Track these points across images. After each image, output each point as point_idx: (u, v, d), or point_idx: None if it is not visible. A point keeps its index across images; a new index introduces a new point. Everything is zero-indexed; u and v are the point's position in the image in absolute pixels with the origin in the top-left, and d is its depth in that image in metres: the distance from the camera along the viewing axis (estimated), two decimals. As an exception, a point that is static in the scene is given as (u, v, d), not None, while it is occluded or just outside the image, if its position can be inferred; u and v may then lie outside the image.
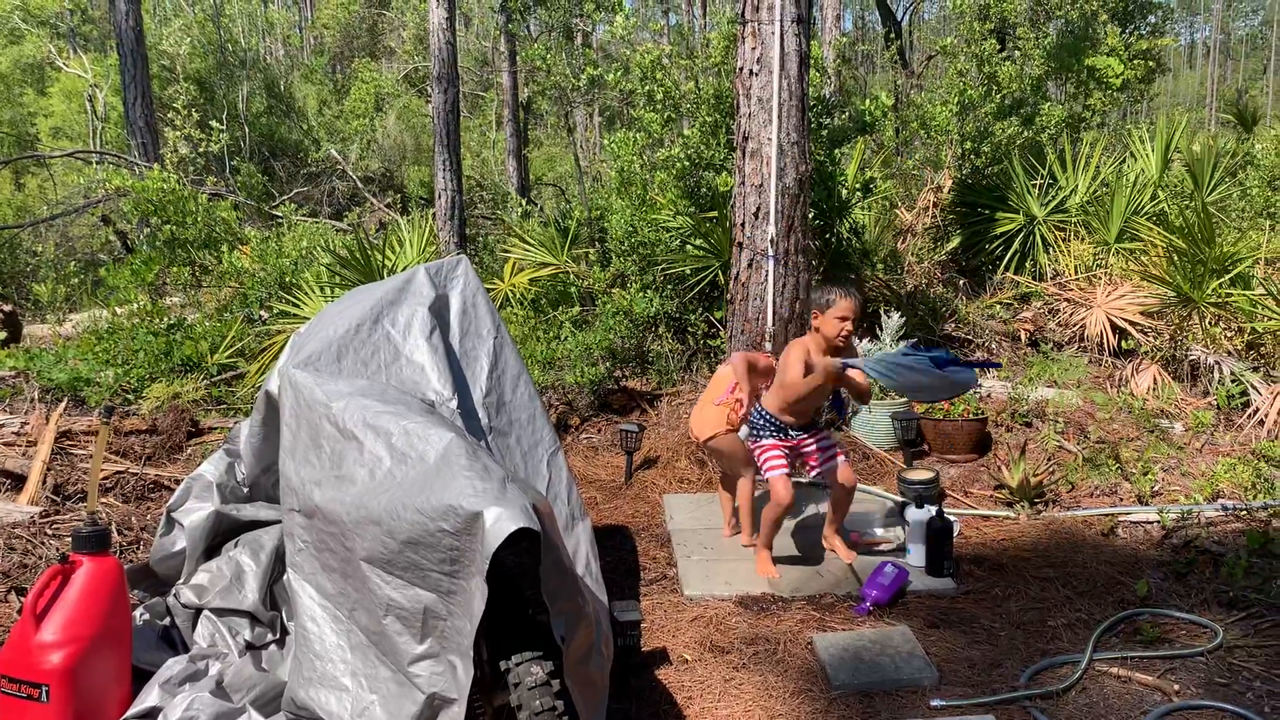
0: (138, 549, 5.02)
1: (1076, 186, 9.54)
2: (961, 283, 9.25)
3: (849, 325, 4.46)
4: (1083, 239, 9.18)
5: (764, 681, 3.80)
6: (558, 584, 2.90)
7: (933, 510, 4.72)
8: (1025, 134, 10.61)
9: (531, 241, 9.51)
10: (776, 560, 4.80)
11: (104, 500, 5.59)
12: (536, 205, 13.62)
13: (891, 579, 4.42)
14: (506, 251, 9.92)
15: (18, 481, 5.64)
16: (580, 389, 7.37)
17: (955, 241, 9.70)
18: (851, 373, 4.44)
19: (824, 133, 8.03)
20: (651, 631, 4.22)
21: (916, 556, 4.75)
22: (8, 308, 9.52)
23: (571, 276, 9.03)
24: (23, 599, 4.27)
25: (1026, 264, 9.32)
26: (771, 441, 4.68)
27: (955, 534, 4.93)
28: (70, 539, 3.81)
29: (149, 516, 5.38)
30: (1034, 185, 9.58)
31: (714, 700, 3.69)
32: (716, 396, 4.99)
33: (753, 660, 3.97)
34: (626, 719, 3.58)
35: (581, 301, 8.84)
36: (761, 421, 4.74)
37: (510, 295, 8.95)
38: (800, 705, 3.63)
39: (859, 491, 5.59)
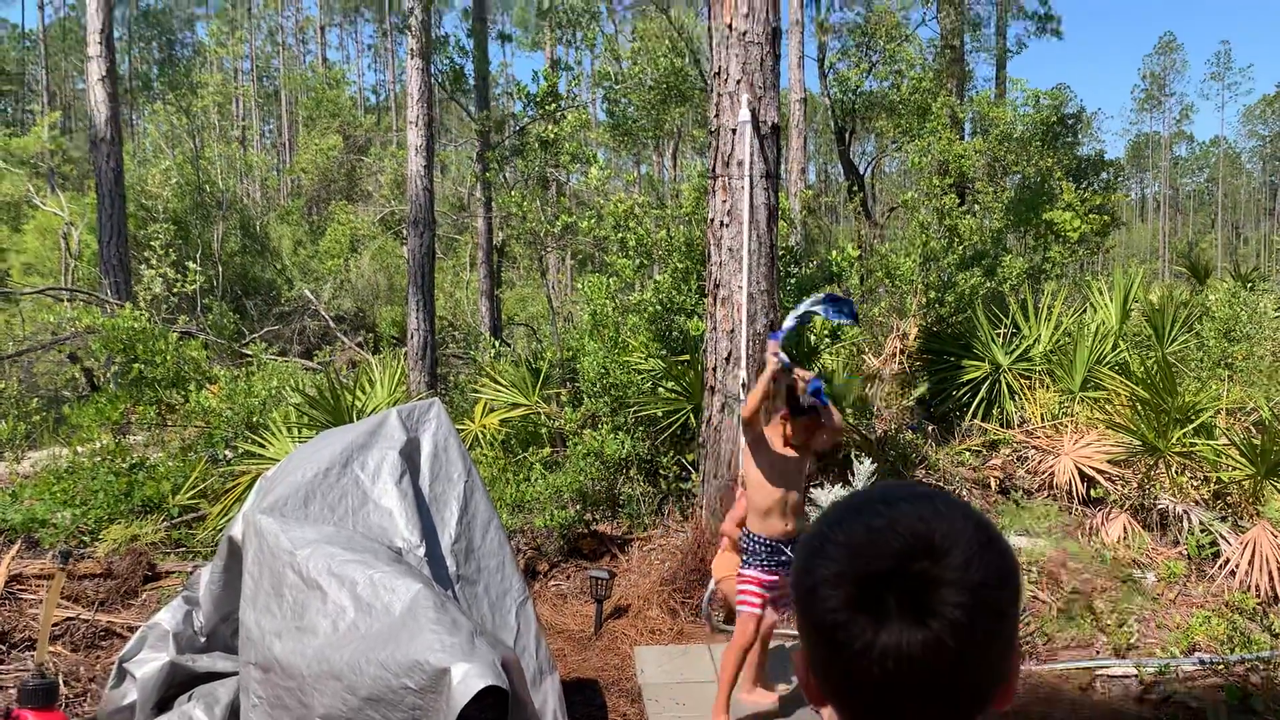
0: (85, 701, 4.80)
1: (1040, 336, 9.75)
2: (930, 429, 9.32)
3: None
4: (1048, 387, 9.33)
5: None
6: (526, 745, 2.79)
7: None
8: (988, 284, 10.90)
9: (503, 382, 9.52)
10: (752, 715, 4.65)
11: (52, 648, 5.37)
12: (509, 345, 13.73)
13: None
14: (478, 391, 9.92)
15: (-39, 629, 5.42)
16: (549, 533, 7.26)
17: (923, 388, 9.83)
18: (800, 376, 4.41)
19: (792, 281, 8.21)
20: (621, 794, 4.04)
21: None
22: (-36, 445, 9.33)
23: (543, 417, 9.02)
24: (-44, 758, 4.04)
25: (994, 411, 9.43)
26: (753, 574, 4.44)
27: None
28: (16, 692, 3.64)
29: (99, 666, 5.17)
30: (998, 334, 9.79)
31: None
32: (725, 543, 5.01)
33: (727, 825, 3.80)
34: None
35: (552, 442, 8.81)
36: (751, 545, 4.48)
37: (480, 435, 8.90)
38: None
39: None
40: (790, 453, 4.43)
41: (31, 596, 5.94)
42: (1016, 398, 9.35)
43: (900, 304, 10.89)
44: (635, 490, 7.81)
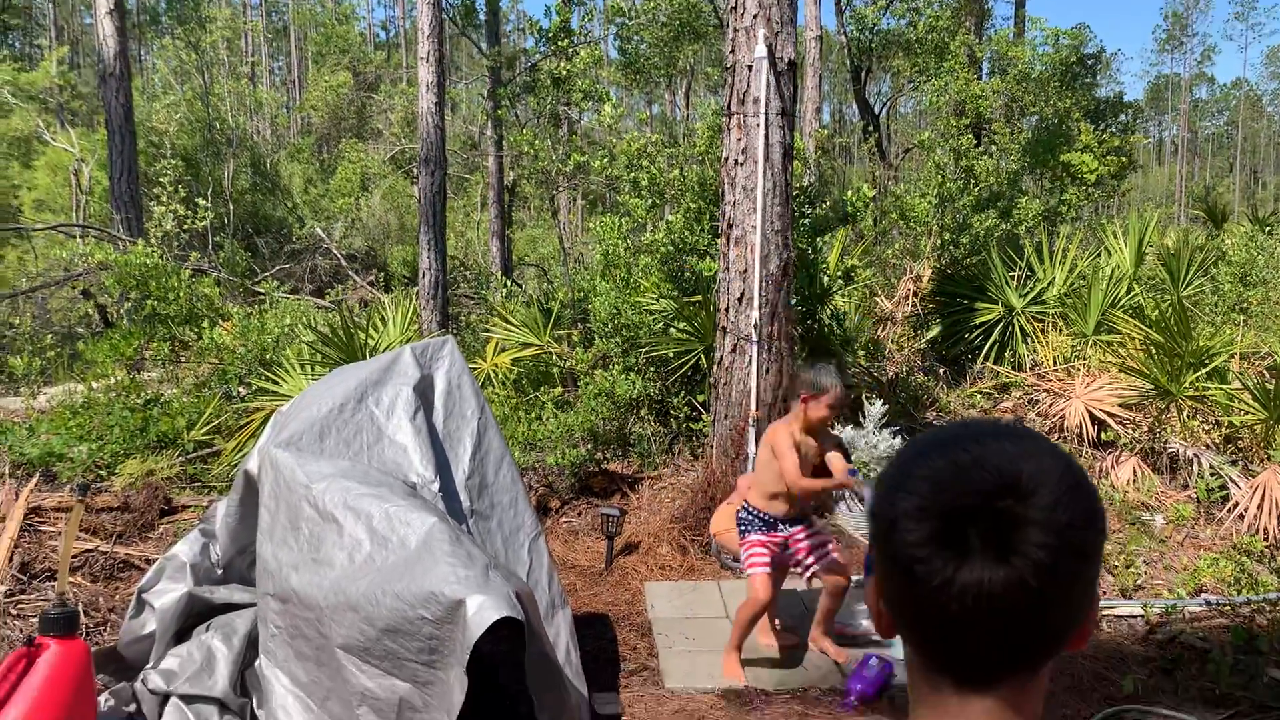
0: (105, 630, 4.88)
1: (1054, 279, 9.70)
2: (942, 371, 9.32)
3: (835, 413, 4.44)
4: (1060, 330, 9.30)
5: (747, 778, 3.70)
6: (542, 675, 2.84)
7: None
8: (1003, 226, 10.81)
9: (514, 322, 9.53)
10: (759, 661, 4.71)
11: (72, 580, 5.46)
12: (520, 286, 13.71)
13: (876, 672, 4.35)
14: (489, 331, 9.93)
15: (-17, 559, 5.50)
16: (561, 471, 7.32)
17: (935, 330, 9.81)
18: (842, 474, 4.35)
19: (806, 221, 8.15)
20: (632, 724, 4.12)
21: (899, 649, 4.67)
22: (-19, 380, 9.40)
23: (554, 357, 9.04)
24: (-18, 682, 4.12)
25: (1006, 354, 9.41)
26: (756, 538, 4.52)
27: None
28: (37, 620, 3.71)
29: (118, 597, 5.25)
30: (1012, 277, 9.74)
31: (696, 798, 3.58)
32: (735, 497, 5.02)
33: (735, 756, 3.87)
34: (605, 817, 3.47)
35: (563, 382, 8.83)
36: (748, 517, 4.59)
37: (492, 375, 8.93)
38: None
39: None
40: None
41: (50, 529, 6.02)
42: (1029, 341, 9.32)
43: (914, 246, 10.82)
44: (646, 430, 7.84)
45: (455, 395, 4.25)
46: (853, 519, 6.49)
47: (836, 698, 4.35)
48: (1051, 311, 9.46)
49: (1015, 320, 9.46)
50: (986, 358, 9.35)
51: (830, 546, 4.57)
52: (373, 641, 2.83)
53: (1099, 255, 10.42)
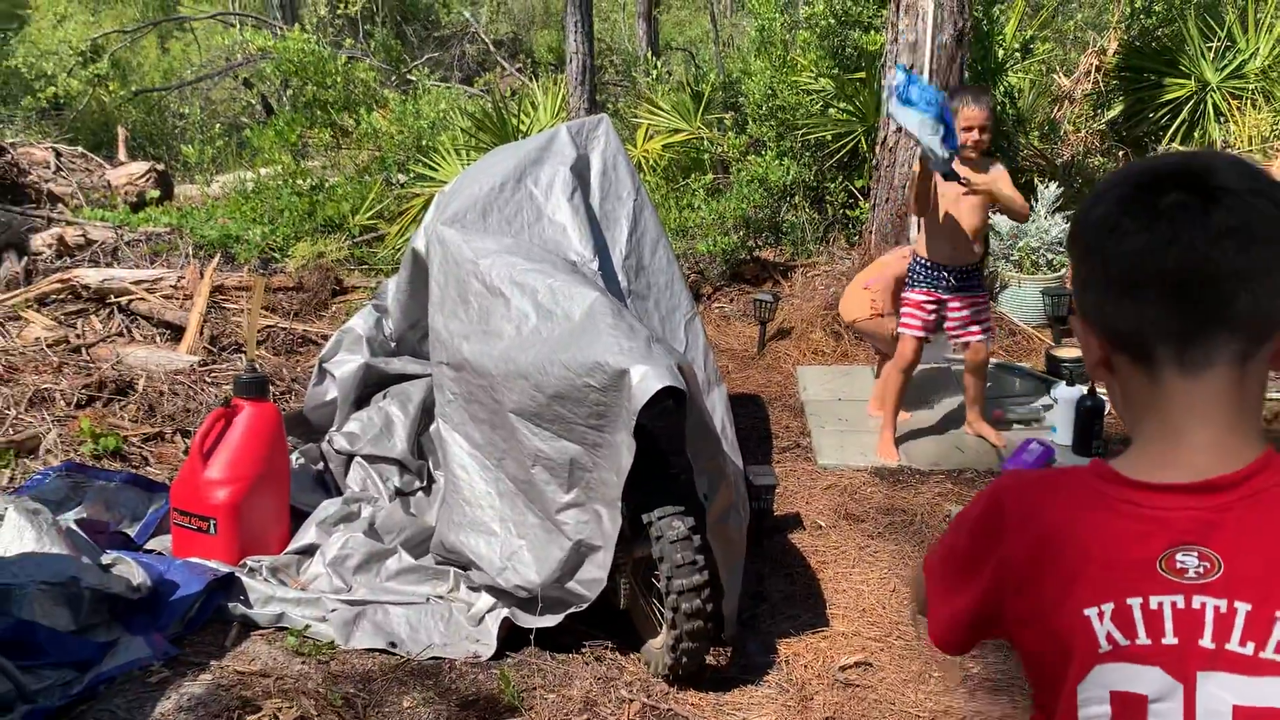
0: (289, 398, 5.25)
1: (1258, 49, 8.73)
2: (1121, 154, 8.68)
3: (975, 135, 4.15)
4: (1260, 108, 8.45)
5: (899, 550, 3.78)
6: (701, 443, 2.91)
7: (1083, 389, 4.54)
8: (1203, -8, 9.70)
9: (664, 107, 9.30)
10: (914, 436, 4.72)
11: (257, 352, 5.85)
12: (667, 70, 13.29)
13: (1036, 456, 4.30)
14: (637, 117, 9.74)
15: (177, 332, 5.95)
16: (712, 258, 7.29)
17: (1117, 109, 9.07)
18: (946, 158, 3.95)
19: (982, -12, 7.50)
20: (785, 497, 4.23)
21: (1063, 435, 4.59)
22: (160, 167, 9.90)
23: (705, 142, 8.83)
24: (188, 440, 4.54)
25: (1195, 134, 8.66)
26: (918, 296, 4.39)
27: (1105, 414, 4.75)
28: (231, 385, 4.01)
29: (298, 369, 5.62)
30: (1209, 49, 8.82)
31: (848, 566, 3.69)
32: (868, 279, 4.90)
33: (888, 530, 3.95)
34: (760, 579, 3.63)
35: (714, 169, 8.66)
36: (914, 267, 4.45)
37: (642, 162, 8.82)
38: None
39: (1003, 370, 5.42)
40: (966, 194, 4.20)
41: (233, 305, 6.43)
42: (1223, 120, 8.54)
43: (1099, 17, 9.90)
44: (800, 217, 7.67)
45: (611, 175, 4.20)
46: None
47: (992, 479, 4.34)
48: (1251, 87, 8.58)
49: (1209, 97, 8.63)
50: (1173, 139, 8.63)
51: (983, 324, 4.45)
52: (543, 406, 2.94)
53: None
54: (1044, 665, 0.99)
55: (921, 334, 4.40)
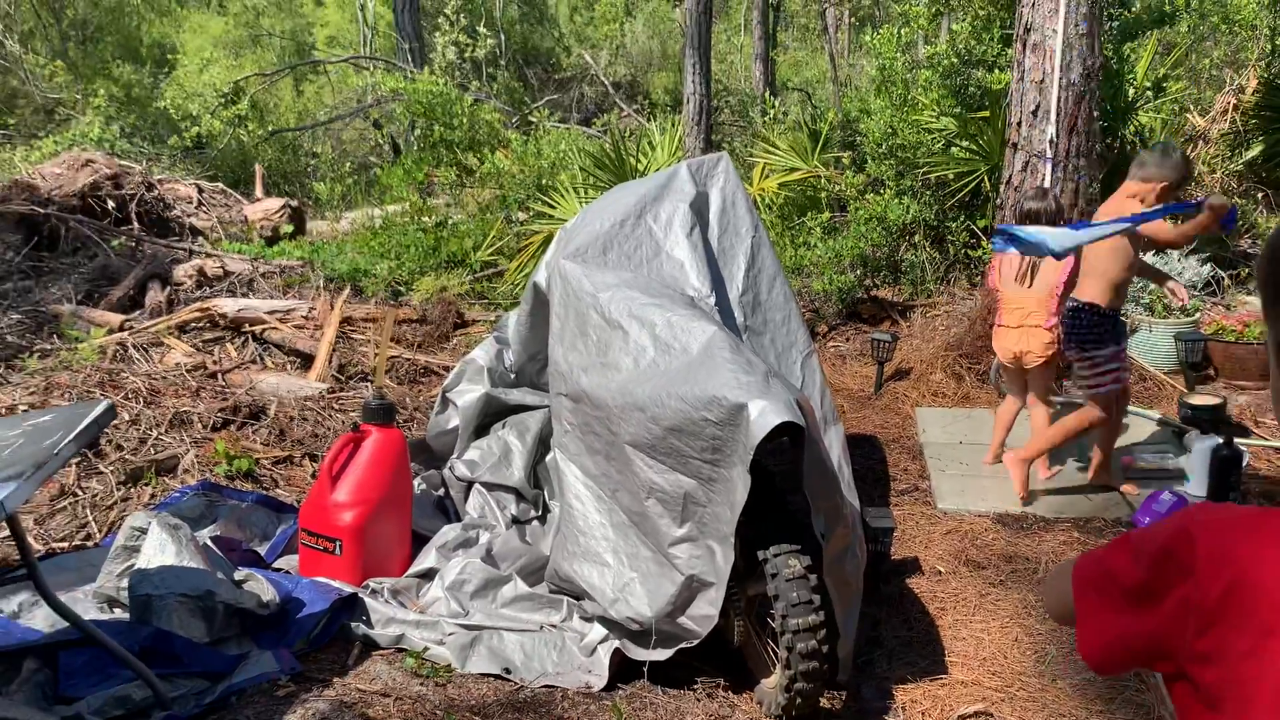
0: (412, 426, 5.40)
1: None
2: (1260, 195, 8.30)
3: (1149, 200, 4.07)
4: None
5: (1023, 599, 3.65)
6: (819, 481, 2.87)
7: (1218, 438, 4.33)
8: (1353, 26, 9.24)
9: (780, 145, 9.31)
10: (1037, 490, 4.55)
11: (383, 380, 6.04)
12: (783, 109, 13.31)
13: (1168, 507, 4.10)
14: (753, 156, 9.77)
15: (307, 360, 6.19)
16: (828, 297, 7.23)
17: (1256, 149, 8.68)
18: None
19: (1114, 25, 7.31)
20: (903, 541, 4.14)
21: (1197, 485, 4.38)
22: (294, 204, 10.37)
23: (822, 181, 8.80)
24: (316, 463, 4.71)
25: (1344, 175, 8.22)
26: (1112, 350, 4.20)
27: (1243, 465, 4.51)
28: (360, 411, 4.16)
29: (421, 398, 5.78)
30: (1358, 85, 8.38)
31: (968, 613, 3.58)
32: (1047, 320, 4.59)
33: (1010, 578, 3.82)
34: (876, 623, 3.55)
35: (831, 208, 8.61)
36: (1099, 320, 4.18)
37: (758, 200, 8.84)
38: (1063, 627, 3.46)
39: (1134, 416, 5.21)
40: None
41: (360, 336, 6.66)
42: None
43: (1236, 55, 9.52)
44: (920, 256, 7.55)
45: (730, 213, 4.22)
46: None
47: (1121, 529, 4.16)
48: None
49: (1360, 135, 8.20)
50: (1319, 180, 8.21)
51: (1117, 373, 4.27)
52: (658, 439, 2.96)
53: None
54: (1224, 700, 0.94)
55: (1119, 388, 4.28)
